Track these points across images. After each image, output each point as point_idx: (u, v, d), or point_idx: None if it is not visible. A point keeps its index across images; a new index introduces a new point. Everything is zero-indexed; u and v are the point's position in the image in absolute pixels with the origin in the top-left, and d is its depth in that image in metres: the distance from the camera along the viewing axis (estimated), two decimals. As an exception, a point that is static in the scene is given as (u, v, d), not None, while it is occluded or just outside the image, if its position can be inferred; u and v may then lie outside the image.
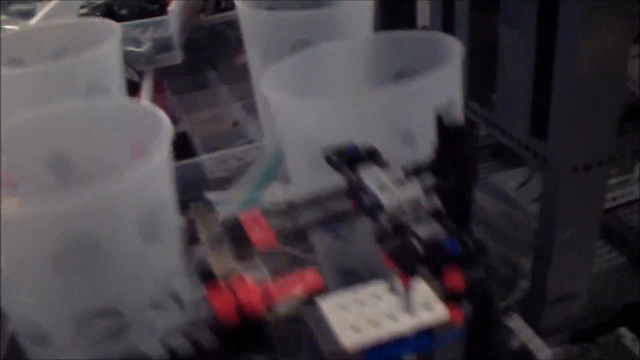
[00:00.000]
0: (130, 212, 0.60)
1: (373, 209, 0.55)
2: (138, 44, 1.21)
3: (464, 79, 0.78)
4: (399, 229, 0.53)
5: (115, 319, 0.64)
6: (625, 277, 0.97)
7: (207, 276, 0.45)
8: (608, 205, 1.06)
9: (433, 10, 0.98)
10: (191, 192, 1.00)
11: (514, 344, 0.71)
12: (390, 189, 0.55)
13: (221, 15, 1.53)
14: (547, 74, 0.75)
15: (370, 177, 0.57)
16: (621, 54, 0.71)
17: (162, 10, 1.26)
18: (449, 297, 0.51)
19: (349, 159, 0.62)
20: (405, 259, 0.54)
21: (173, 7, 1.26)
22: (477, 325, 0.67)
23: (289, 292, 0.47)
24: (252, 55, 1.08)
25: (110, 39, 0.89)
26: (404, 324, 0.61)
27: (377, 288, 0.65)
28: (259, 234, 0.50)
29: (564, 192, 0.76)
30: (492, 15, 0.83)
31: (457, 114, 0.54)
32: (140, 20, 1.21)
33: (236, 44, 1.62)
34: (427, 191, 0.55)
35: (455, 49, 0.74)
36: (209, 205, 0.55)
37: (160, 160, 0.61)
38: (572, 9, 0.67)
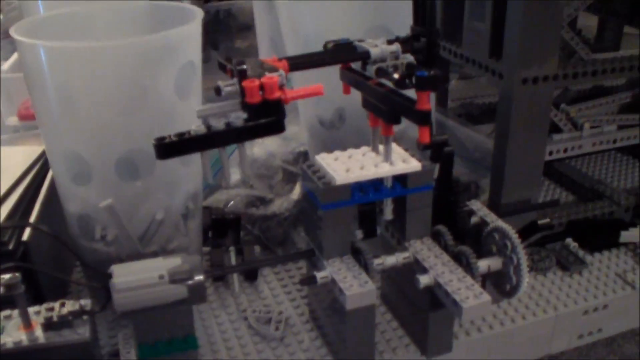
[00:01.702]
0: (170, 63, 0.75)
1: (363, 58, 0.70)
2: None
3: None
4: (381, 72, 0.69)
5: (146, 159, 0.78)
6: (572, 207, 1.13)
7: (242, 72, 0.60)
8: (560, 155, 1.22)
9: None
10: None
11: (474, 219, 0.85)
12: (377, 46, 0.70)
13: (224, 3, 1.70)
14: (502, 9, 0.92)
15: (360, 43, 0.73)
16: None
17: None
18: (420, 120, 0.66)
19: (343, 44, 0.78)
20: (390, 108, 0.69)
21: (186, -18, 1.43)
22: (441, 182, 0.83)
23: (298, 93, 0.62)
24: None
25: None
26: (385, 169, 0.76)
27: (362, 149, 0.81)
28: (280, 63, 0.65)
29: (515, 101, 0.92)
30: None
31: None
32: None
33: (236, 30, 1.80)
34: (404, 51, 0.71)
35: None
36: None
37: (193, 27, 0.77)
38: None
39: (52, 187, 0.90)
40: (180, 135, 0.59)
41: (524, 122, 0.94)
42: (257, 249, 0.98)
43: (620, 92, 1.36)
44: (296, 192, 1.07)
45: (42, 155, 0.98)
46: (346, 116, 0.95)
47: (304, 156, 1.13)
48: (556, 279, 0.96)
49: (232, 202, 1.02)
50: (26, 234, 0.80)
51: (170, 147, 0.59)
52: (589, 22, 2.06)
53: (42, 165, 0.96)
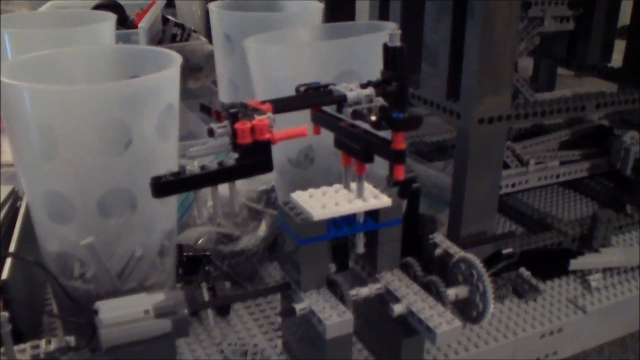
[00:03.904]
0: (153, 105, 0.78)
1: (340, 101, 0.75)
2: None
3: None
4: (357, 114, 0.74)
5: (128, 198, 0.80)
6: (524, 238, 1.20)
7: (234, 115, 0.64)
8: (509, 190, 1.30)
9: (371, 9, 1.25)
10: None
11: (438, 251, 0.90)
12: (352, 90, 0.75)
13: (175, 45, 1.73)
14: (459, 52, 0.99)
15: (335, 87, 0.78)
16: (510, 45, 0.96)
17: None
18: (396, 159, 0.71)
19: (315, 88, 0.83)
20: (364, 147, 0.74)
21: (143, 24, 1.47)
22: (408, 217, 0.87)
23: (286, 134, 0.66)
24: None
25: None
26: (358, 204, 0.81)
27: (335, 187, 0.85)
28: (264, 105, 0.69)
29: (472, 140, 0.98)
30: (419, 16, 1.09)
31: (397, 41, 0.76)
32: (118, 31, 1.39)
33: (188, 72, 1.84)
34: (377, 94, 0.76)
35: (390, 25, 0.98)
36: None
37: (172, 71, 0.80)
38: (477, 11, 0.92)
39: (26, 226, 0.91)
40: (176, 174, 0.62)
41: (481, 158, 1.00)
42: (227, 284, 1.00)
43: (559, 130, 1.45)
44: (262, 229, 1.10)
45: (11, 195, 0.99)
46: (314, 156, 1.00)
47: (266, 194, 1.17)
48: (513, 306, 1.02)
49: (201, 240, 1.04)
50: (5, 272, 0.81)
51: (166, 186, 0.62)
52: (524, 64, 2.18)
53: (11, 205, 0.97)
